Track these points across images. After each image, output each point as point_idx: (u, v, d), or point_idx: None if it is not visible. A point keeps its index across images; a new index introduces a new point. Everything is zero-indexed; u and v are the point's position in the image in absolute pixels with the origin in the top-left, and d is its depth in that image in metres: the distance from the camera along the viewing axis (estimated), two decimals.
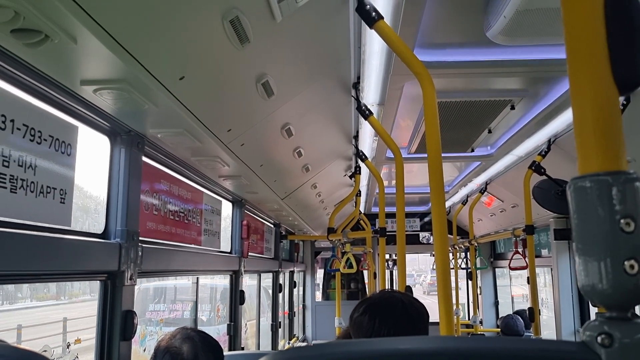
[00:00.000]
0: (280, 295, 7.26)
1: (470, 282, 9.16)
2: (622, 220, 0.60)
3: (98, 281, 2.36)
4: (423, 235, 10.18)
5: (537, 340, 0.65)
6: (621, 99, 2.80)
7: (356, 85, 3.26)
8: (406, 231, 3.04)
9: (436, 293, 1.83)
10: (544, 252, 6.51)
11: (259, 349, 6.24)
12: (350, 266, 6.05)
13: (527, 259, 4.99)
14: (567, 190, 0.66)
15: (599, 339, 0.60)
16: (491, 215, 7.63)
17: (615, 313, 0.62)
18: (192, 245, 3.61)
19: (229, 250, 4.67)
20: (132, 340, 2.46)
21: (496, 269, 9.44)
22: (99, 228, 2.43)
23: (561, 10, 0.69)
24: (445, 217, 1.95)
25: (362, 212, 7.64)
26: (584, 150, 0.64)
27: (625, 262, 0.60)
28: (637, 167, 3.57)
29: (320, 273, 10.86)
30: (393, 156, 3.06)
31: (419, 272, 38.99)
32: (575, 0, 0.67)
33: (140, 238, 2.59)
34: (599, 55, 0.64)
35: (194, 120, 2.40)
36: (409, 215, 10.00)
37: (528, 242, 4.86)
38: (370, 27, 2.06)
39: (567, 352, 0.62)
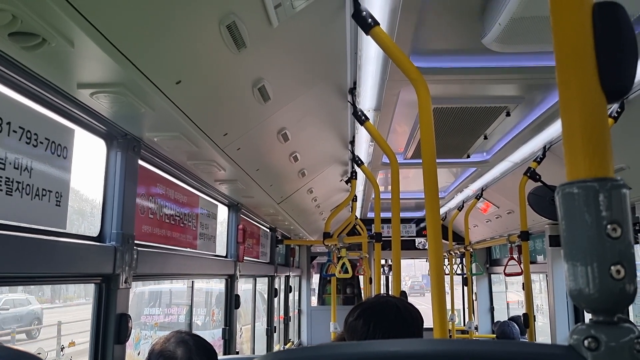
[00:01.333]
0: (276, 299, 7.25)
1: (465, 287, 9.18)
2: (608, 226, 0.61)
3: (93, 284, 2.36)
4: (419, 240, 10.19)
5: (525, 343, 0.66)
6: (615, 106, 2.81)
7: (352, 90, 3.28)
8: (402, 237, 3.05)
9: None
10: (540, 258, 6.53)
11: (254, 353, 6.23)
12: (346, 271, 6.06)
13: (522, 265, 5.00)
14: (555, 196, 0.67)
15: (585, 342, 0.61)
16: (487, 221, 7.65)
17: (602, 317, 0.63)
18: (188, 249, 3.61)
19: (224, 255, 4.67)
20: (127, 343, 2.46)
21: (492, 275, 9.45)
22: (95, 231, 2.43)
23: (550, 20, 0.70)
24: (440, 222, 1.96)
25: (358, 217, 7.64)
26: (572, 156, 0.65)
27: (612, 267, 0.61)
28: (630, 174, 3.58)
29: (315, 278, 10.85)
30: (389, 162, 3.08)
31: (412, 278, 39.41)
32: (564, 10, 0.68)
33: (135, 241, 2.59)
34: (587, 64, 0.66)
35: (190, 124, 2.41)
36: (405, 220, 10.02)
37: (523, 248, 4.87)
38: (367, 33, 2.07)
39: (554, 355, 0.63)
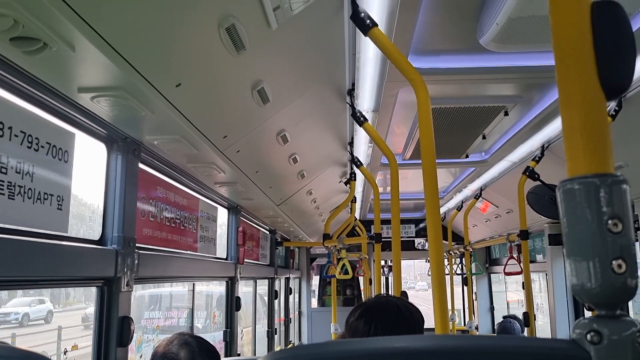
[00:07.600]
0: (276, 301, 7.25)
1: (465, 287, 9.18)
2: (609, 221, 0.62)
3: (95, 287, 2.37)
4: (418, 241, 10.20)
5: (529, 338, 0.66)
6: (613, 104, 2.82)
7: (351, 92, 3.28)
8: (401, 237, 3.05)
9: None
10: (539, 257, 6.54)
11: (255, 355, 6.23)
12: (346, 272, 6.05)
13: (522, 264, 5.02)
14: (557, 192, 0.68)
15: (588, 336, 0.62)
16: (486, 221, 7.65)
17: (604, 311, 0.64)
18: (188, 252, 3.61)
19: (224, 257, 4.67)
20: (129, 346, 2.46)
21: (491, 275, 9.46)
22: (96, 235, 2.44)
23: (549, 18, 0.71)
24: (440, 223, 1.96)
25: (358, 218, 7.64)
26: (572, 153, 0.66)
27: (613, 262, 0.61)
28: (629, 172, 3.60)
29: (315, 279, 10.85)
30: (388, 162, 3.08)
31: (404, 280, 39.65)
32: (563, 8, 0.69)
33: (136, 244, 2.59)
34: (586, 61, 0.67)
35: (190, 127, 2.41)
36: (404, 221, 10.02)
37: (523, 247, 4.88)
38: (365, 35, 2.08)
39: (557, 349, 0.64)
